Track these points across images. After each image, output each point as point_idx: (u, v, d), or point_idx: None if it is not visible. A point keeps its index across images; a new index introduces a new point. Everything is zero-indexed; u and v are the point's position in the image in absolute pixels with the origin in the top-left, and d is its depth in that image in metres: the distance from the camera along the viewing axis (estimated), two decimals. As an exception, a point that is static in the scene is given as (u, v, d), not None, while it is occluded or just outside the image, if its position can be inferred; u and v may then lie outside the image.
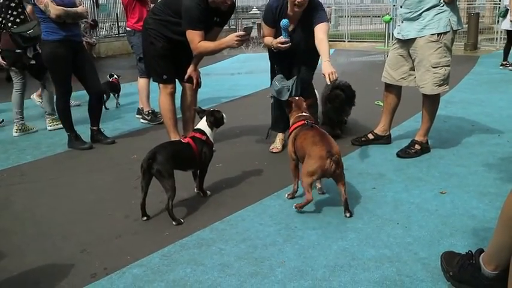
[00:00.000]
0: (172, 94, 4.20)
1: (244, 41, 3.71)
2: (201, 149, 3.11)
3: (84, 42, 5.47)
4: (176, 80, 4.24)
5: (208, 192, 3.29)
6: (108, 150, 4.59)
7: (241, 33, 3.64)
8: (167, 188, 2.82)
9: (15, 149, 4.76)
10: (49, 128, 5.45)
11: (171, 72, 4.12)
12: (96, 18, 15.63)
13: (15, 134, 5.24)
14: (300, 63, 4.03)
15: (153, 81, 4.46)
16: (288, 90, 3.87)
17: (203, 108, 3.45)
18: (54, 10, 4.17)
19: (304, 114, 3.21)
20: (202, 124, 3.22)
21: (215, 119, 3.23)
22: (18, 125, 5.29)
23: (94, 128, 4.81)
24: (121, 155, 4.39)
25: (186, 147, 3.07)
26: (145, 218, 2.93)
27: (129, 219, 2.96)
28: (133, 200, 3.16)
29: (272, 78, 4.11)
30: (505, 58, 8.74)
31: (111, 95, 6.60)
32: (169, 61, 4.07)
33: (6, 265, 2.47)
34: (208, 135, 3.20)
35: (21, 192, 3.55)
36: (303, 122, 3.11)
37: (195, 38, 3.75)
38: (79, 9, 4.44)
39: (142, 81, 5.67)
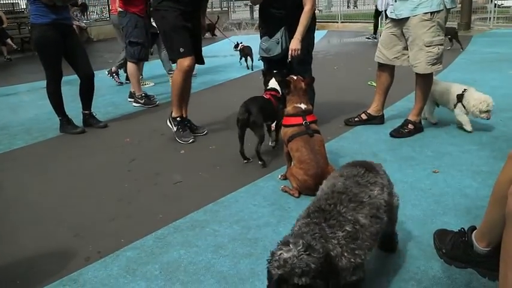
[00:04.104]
0: (188, 72, 4.00)
1: None
2: (278, 104, 3.53)
3: (74, 26, 5.53)
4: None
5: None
6: (100, 134, 4.57)
7: None
8: (259, 135, 3.36)
9: (6, 134, 4.72)
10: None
11: (188, 44, 3.89)
12: (86, 2, 15.43)
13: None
14: (287, 19, 3.85)
15: (171, 59, 4.25)
16: (278, 42, 3.83)
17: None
18: (44, -8, 4.09)
19: (302, 106, 3.02)
20: (274, 83, 3.64)
21: (282, 78, 3.30)
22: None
23: (86, 112, 4.77)
24: (113, 138, 4.37)
25: (268, 102, 3.53)
26: (245, 161, 3.48)
27: (123, 203, 2.95)
28: (126, 183, 3.15)
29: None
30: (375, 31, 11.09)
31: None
32: (184, 33, 3.87)
33: (-1, 250, 2.47)
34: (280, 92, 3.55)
35: (13, 178, 3.53)
36: (301, 119, 2.98)
37: None
38: (68, -9, 4.37)
39: (130, 66, 5.60)
